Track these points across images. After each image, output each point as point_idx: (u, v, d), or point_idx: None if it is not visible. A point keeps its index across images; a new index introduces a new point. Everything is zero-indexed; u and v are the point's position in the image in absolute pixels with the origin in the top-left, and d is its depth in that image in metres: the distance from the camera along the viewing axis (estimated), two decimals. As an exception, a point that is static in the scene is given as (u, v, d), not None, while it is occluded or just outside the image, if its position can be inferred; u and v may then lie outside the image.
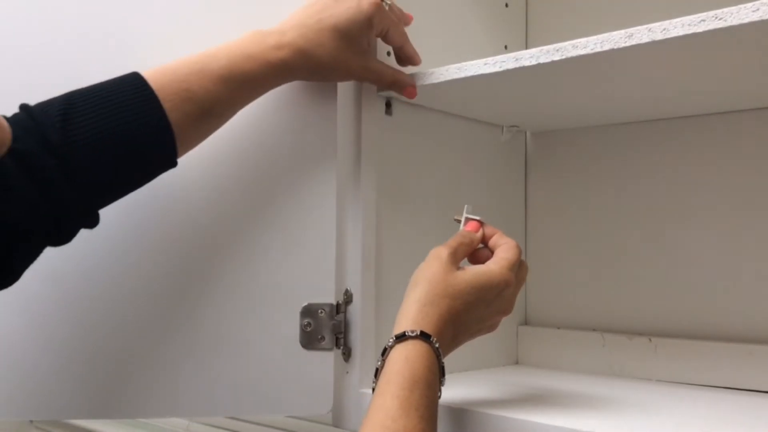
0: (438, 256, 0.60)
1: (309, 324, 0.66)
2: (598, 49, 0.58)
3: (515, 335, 0.96)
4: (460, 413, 0.64)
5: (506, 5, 0.97)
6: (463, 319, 0.58)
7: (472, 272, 0.60)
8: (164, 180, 0.63)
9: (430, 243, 0.80)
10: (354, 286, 0.69)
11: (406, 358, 0.54)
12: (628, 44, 0.56)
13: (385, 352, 0.55)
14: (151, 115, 0.57)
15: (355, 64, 0.66)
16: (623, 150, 0.91)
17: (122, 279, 0.67)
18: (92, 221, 0.59)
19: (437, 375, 0.55)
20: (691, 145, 0.86)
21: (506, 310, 0.63)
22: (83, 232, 0.59)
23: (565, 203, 0.96)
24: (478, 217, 0.66)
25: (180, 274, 0.67)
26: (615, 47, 0.57)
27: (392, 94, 0.74)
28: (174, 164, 0.61)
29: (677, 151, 0.87)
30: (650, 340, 0.84)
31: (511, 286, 0.61)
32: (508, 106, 0.84)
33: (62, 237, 0.57)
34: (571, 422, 0.58)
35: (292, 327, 0.66)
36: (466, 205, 0.67)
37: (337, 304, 0.67)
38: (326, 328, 0.66)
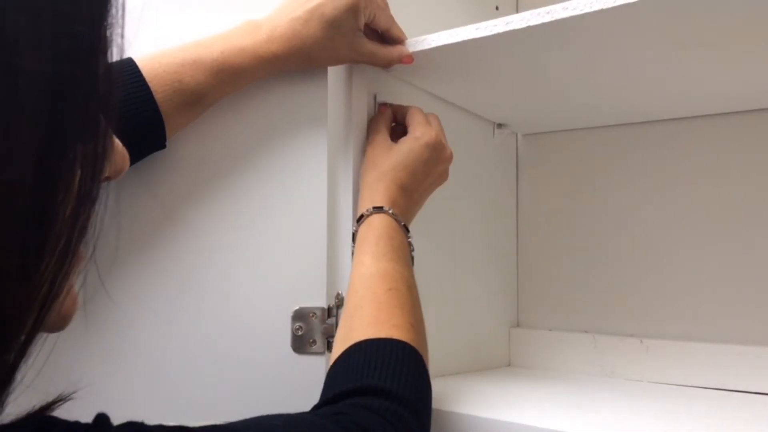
0: (371, 143, 0.70)
1: (300, 328, 0.66)
2: (588, 10, 0.58)
3: (507, 337, 0.96)
4: (452, 416, 0.64)
5: (496, 8, 0.97)
6: (410, 182, 0.67)
7: (399, 144, 0.69)
8: (150, 183, 0.63)
9: (423, 244, 0.80)
10: (345, 289, 0.68)
11: (368, 226, 0.63)
12: (618, 3, 0.56)
13: (354, 237, 0.65)
14: (143, 106, 0.60)
15: (345, 51, 0.67)
16: (614, 152, 0.91)
17: (108, 282, 0.67)
18: None
19: (399, 231, 0.64)
20: (682, 148, 0.86)
21: (444, 158, 0.71)
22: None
23: (556, 205, 0.96)
24: (384, 102, 0.75)
25: (168, 279, 0.67)
26: (605, 6, 0.57)
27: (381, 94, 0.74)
28: (163, 147, 0.65)
29: (668, 154, 0.87)
30: (641, 341, 0.84)
31: (429, 135, 0.69)
32: (500, 93, 0.82)
33: None
34: (562, 424, 0.58)
35: (284, 331, 0.66)
36: (376, 95, 0.75)
37: (329, 308, 0.67)
38: (317, 331, 0.66)
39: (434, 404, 0.65)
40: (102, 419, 0.40)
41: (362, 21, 0.66)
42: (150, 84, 0.60)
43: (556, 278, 0.95)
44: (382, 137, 0.70)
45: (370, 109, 0.73)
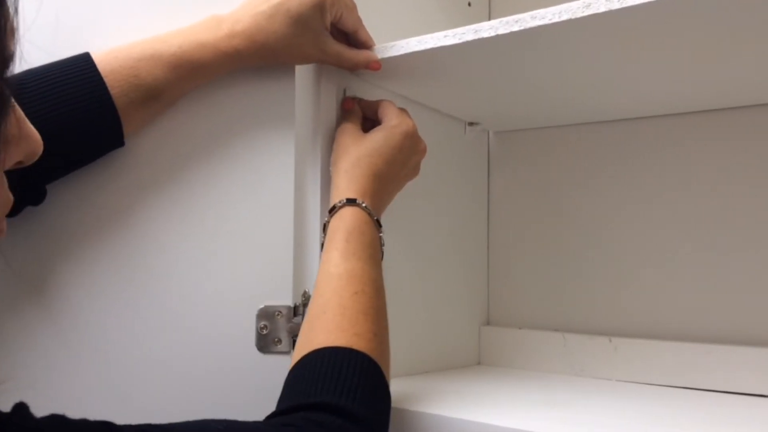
0: (343, 130, 0.69)
1: (265, 327, 0.65)
2: (557, 20, 0.58)
3: (477, 336, 0.96)
4: (420, 416, 0.63)
5: (469, 4, 0.96)
6: (386, 170, 0.66)
7: (375, 131, 0.68)
8: (111, 178, 0.62)
9: (393, 241, 0.79)
10: (312, 287, 0.67)
11: (340, 219, 0.62)
12: (585, 14, 0.56)
13: (325, 227, 0.64)
14: (98, 102, 0.59)
15: (310, 49, 0.65)
16: (586, 150, 0.91)
17: (65, 281, 0.64)
18: (37, 198, 0.60)
19: (371, 226, 0.63)
20: (651, 145, 0.86)
21: (420, 150, 0.71)
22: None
23: (528, 203, 0.96)
24: (351, 96, 0.74)
25: (129, 277, 0.65)
26: (573, 17, 0.57)
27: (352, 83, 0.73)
28: (122, 144, 0.63)
29: (640, 152, 0.87)
30: (610, 340, 0.85)
31: (407, 124, 0.68)
32: (470, 95, 0.82)
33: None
34: (531, 424, 0.57)
35: (248, 330, 0.65)
36: (346, 89, 0.74)
37: (295, 306, 0.66)
38: (283, 330, 0.65)
39: (402, 404, 0.65)
40: (21, 408, 0.39)
41: (328, 19, 0.65)
42: (106, 79, 0.59)
43: (527, 276, 0.95)
44: (354, 126, 0.69)
45: (339, 106, 0.72)
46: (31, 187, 0.59)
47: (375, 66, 0.69)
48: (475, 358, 0.95)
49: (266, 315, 0.65)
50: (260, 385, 0.65)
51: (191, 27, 0.63)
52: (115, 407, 0.66)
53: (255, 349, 0.65)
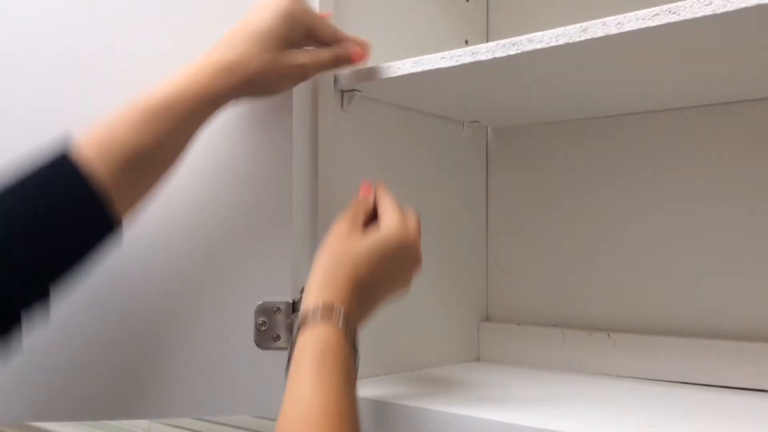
0: (337, 227, 0.61)
1: (264, 323, 0.65)
2: (554, 44, 0.58)
3: (476, 331, 0.96)
4: (419, 412, 0.63)
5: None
6: (370, 281, 0.58)
7: (371, 233, 0.60)
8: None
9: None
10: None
11: (312, 338, 0.53)
12: (582, 38, 0.57)
13: (292, 346, 0.54)
14: (86, 205, 0.54)
15: (288, 63, 0.62)
16: (584, 146, 0.91)
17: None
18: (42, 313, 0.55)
19: (343, 347, 0.53)
20: (649, 140, 0.86)
21: (416, 263, 0.63)
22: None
23: (526, 199, 0.96)
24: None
25: (129, 269, 0.65)
26: (570, 41, 0.58)
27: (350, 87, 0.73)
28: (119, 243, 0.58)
29: (636, 147, 0.87)
30: (609, 335, 0.85)
31: (404, 235, 0.61)
32: (468, 101, 0.83)
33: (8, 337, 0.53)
34: (529, 420, 0.57)
35: (247, 326, 0.65)
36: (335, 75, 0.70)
37: (294, 302, 0.66)
38: (282, 326, 0.65)
39: (401, 400, 0.65)
40: None
41: (298, 32, 0.63)
42: (91, 165, 0.54)
43: (526, 272, 0.95)
44: (352, 220, 0.62)
45: (335, 105, 0.72)
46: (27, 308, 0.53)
47: (359, 57, 0.67)
48: (474, 354, 0.95)
49: (265, 311, 0.65)
50: (258, 380, 0.65)
51: (170, 79, 0.59)
52: (116, 404, 0.66)
53: (253, 344, 0.65)
